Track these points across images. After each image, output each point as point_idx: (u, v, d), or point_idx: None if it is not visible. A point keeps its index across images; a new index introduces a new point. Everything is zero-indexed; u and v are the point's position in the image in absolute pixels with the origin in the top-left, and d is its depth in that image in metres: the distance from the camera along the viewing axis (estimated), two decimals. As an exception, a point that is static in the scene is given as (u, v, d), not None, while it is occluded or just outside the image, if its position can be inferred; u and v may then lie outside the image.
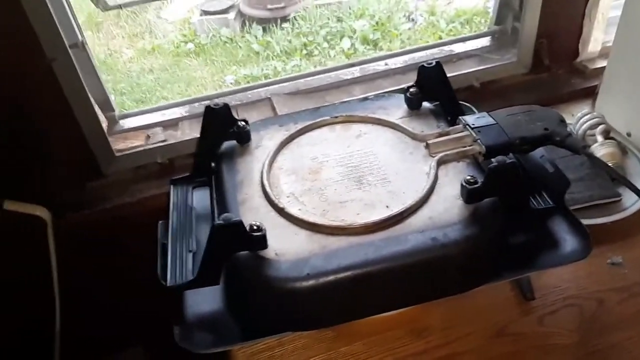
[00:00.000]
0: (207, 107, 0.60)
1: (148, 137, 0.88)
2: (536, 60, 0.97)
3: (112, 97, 0.90)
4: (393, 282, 0.50)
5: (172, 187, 0.64)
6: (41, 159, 0.80)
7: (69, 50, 0.75)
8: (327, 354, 0.63)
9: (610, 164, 0.77)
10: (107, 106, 0.89)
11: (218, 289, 0.53)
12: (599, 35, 0.97)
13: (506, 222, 0.53)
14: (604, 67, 0.88)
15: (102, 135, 0.83)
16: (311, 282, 0.48)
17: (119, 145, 0.86)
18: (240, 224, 0.47)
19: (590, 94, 0.94)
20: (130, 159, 0.85)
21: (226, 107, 0.60)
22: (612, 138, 0.81)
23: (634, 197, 0.73)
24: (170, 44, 2.31)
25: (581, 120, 0.82)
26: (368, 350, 0.63)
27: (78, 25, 0.81)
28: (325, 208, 0.53)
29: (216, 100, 0.62)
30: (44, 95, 0.76)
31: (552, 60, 0.97)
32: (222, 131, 0.61)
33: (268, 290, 0.49)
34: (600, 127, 0.81)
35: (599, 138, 0.80)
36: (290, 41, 2.24)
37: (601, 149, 0.79)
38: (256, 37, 2.26)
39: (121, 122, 0.91)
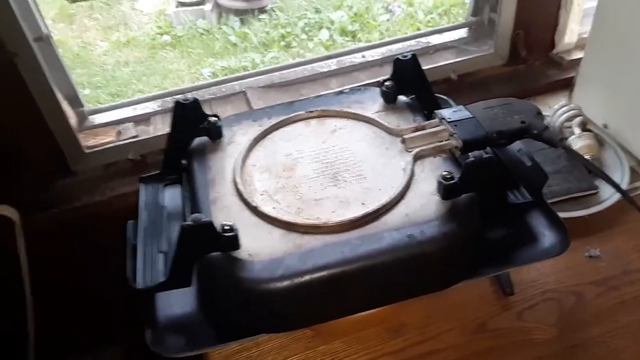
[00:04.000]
0: (177, 102, 0.58)
1: (119, 132, 0.86)
2: (513, 52, 0.97)
3: (86, 91, 0.88)
4: (370, 281, 0.49)
5: (141, 185, 0.61)
6: (7, 157, 0.77)
7: (33, 45, 0.73)
8: (305, 354, 0.62)
9: (587, 157, 0.77)
10: (75, 102, 0.86)
11: (190, 290, 0.51)
12: (575, 26, 0.97)
13: (484, 218, 0.52)
14: (580, 59, 0.88)
15: (70, 131, 0.80)
16: (286, 283, 0.46)
17: (88, 141, 0.83)
18: (210, 224, 0.45)
19: (567, 85, 0.94)
20: (101, 155, 0.83)
21: (196, 102, 0.58)
22: (589, 130, 0.81)
23: (611, 189, 0.73)
24: (145, 36, 2.26)
25: (558, 112, 0.82)
26: (347, 348, 0.62)
27: (42, 17, 0.78)
28: (300, 206, 0.52)
29: (186, 95, 0.59)
30: (7, 91, 0.73)
31: (528, 52, 0.97)
32: (192, 127, 0.59)
33: (241, 292, 0.47)
34: (577, 119, 0.81)
35: (576, 130, 0.80)
36: (268, 33, 2.21)
37: (578, 141, 0.78)
38: (233, 29, 2.23)
39: (91, 117, 0.88)
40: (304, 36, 2.19)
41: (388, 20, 2.23)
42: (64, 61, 0.82)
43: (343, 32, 2.18)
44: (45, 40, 0.77)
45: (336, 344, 0.62)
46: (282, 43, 2.16)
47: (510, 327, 0.63)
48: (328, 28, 2.20)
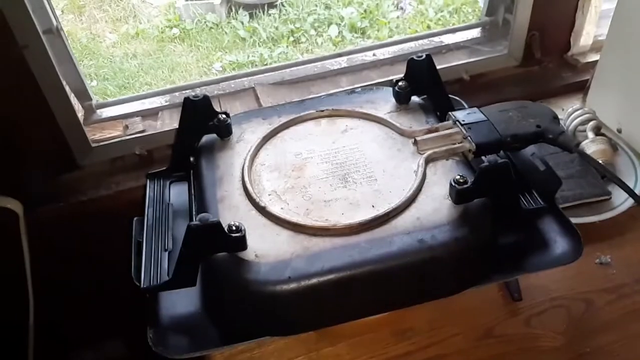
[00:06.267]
0: (186, 99, 0.57)
1: (126, 127, 0.85)
2: (527, 53, 0.95)
3: (93, 83, 0.87)
4: (378, 285, 0.48)
5: (148, 181, 0.61)
6: (13, 149, 0.77)
7: (42, 37, 0.72)
8: (309, 355, 0.61)
9: (600, 161, 0.75)
10: (84, 95, 0.85)
11: (195, 289, 0.50)
12: (592, 28, 0.95)
13: (496, 223, 0.51)
14: (595, 61, 0.87)
15: (77, 125, 0.79)
16: (292, 286, 0.46)
17: (95, 135, 0.83)
18: (217, 224, 0.44)
19: (581, 88, 0.93)
20: (107, 150, 0.82)
21: (206, 99, 0.57)
22: (602, 134, 0.79)
23: (624, 195, 0.72)
24: (154, 29, 2.26)
25: (572, 116, 0.81)
26: (351, 351, 0.61)
27: (52, 9, 0.77)
28: (309, 207, 0.51)
29: (196, 92, 0.59)
30: (15, 84, 0.72)
31: (543, 54, 0.95)
32: (201, 124, 0.58)
33: (247, 294, 0.47)
34: (591, 123, 0.79)
35: (590, 134, 0.78)
36: (277, 28, 2.20)
37: (592, 146, 0.77)
38: (242, 23, 2.22)
39: (99, 111, 0.87)
40: (313, 32, 2.18)
41: (398, 17, 2.21)
42: (73, 54, 0.81)
43: (352, 28, 2.17)
44: (55, 32, 0.77)
45: (340, 347, 0.61)
46: (291, 39, 2.15)
47: (517, 333, 0.62)
48: (337, 24, 2.19)
